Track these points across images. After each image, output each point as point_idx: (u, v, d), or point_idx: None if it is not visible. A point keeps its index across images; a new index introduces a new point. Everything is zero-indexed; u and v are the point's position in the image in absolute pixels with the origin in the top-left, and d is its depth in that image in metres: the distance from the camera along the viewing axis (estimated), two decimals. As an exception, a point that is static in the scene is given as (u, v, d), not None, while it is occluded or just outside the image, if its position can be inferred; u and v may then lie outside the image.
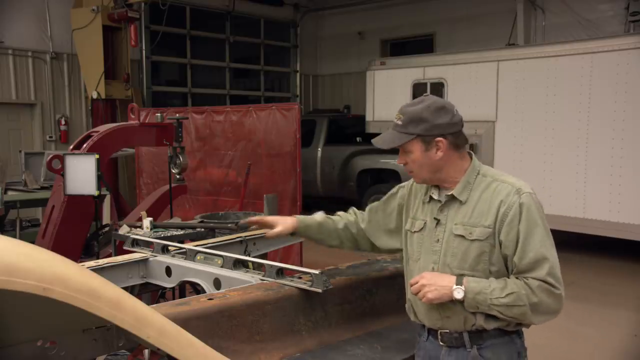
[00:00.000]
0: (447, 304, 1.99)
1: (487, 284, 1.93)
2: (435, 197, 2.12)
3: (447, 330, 2.04)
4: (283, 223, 2.44)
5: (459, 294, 1.92)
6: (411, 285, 2.03)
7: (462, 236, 1.99)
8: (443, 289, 1.94)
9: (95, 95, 9.86)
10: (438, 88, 9.43)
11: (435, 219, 2.09)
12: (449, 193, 2.06)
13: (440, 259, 2.04)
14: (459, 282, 1.94)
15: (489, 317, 1.97)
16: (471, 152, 2.15)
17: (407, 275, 2.20)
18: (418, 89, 9.96)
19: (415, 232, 2.16)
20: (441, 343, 2.06)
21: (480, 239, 1.96)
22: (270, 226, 2.47)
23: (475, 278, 1.96)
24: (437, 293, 1.95)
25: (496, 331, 1.99)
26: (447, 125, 2.01)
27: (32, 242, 3.90)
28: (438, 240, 2.06)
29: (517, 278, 1.94)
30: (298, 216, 2.50)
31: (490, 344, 2.00)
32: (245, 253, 3.57)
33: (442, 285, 1.95)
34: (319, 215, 2.50)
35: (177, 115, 6.23)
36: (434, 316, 2.06)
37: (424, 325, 2.15)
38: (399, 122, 2.05)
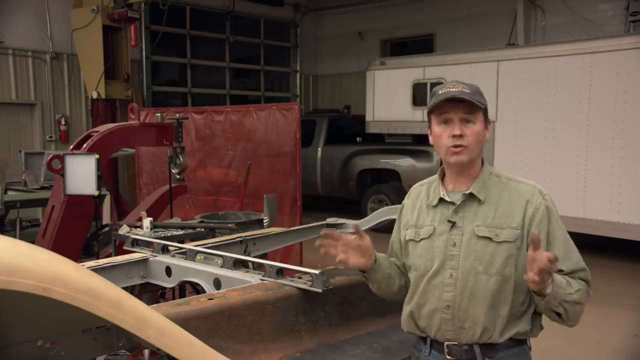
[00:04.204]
0: (467, 314, 1.87)
1: (561, 278, 1.79)
2: (447, 198, 1.96)
3: (456, 343, 1.90)
4: (368, 252, 2.01)
5: (550, 287, 1.73)
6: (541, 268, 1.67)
7: (489, 238, 1.87)
8: (546, 282, 1.71)
9: (95, 95, 9.85)
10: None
11: (449, 221, 1.93)
12: (466, 192, 1.93)
13: (460, 264, 1.89)
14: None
15: (505, 329, 1.86)
16: None
17: (412, 288, 2.03)
18: (418, 89, 9.98)
19: (422, 239, 1.98)
20: (448, 357, 1.91)
21: (509, 241, 1.86)
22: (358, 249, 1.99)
23: None
24: (544, 284, 1.72)
25: (509, 342, 1.88)
26: None
27: (32, 242, 3.90)
28: (455, 244, 1.90)
29: (569, 277, 1.84)
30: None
31: (503, 356, 1.89)
32: (245, 253, 3.58)
33: (548, 277, 1.72)
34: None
35: (177, 115, 6.23)
36: (446, 326, 1.90)
37: (424, 338, 2.00)
38: (467, 90, 1.88)
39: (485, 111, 1.93)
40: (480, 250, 1.87)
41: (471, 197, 1.92)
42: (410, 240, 2.03)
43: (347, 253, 1.96)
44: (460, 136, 1.88)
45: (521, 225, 1.87)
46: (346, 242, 1.96)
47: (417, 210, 2.05)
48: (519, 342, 1.91)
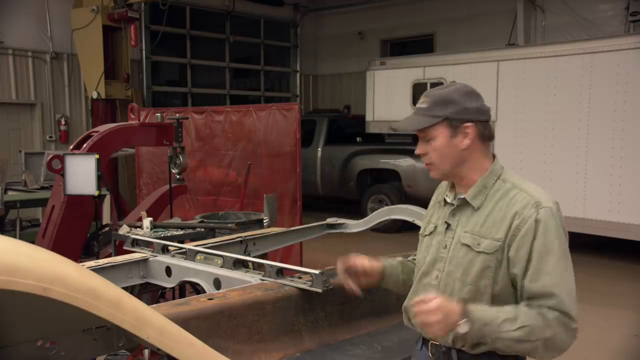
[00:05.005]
0: None
1: (495, 314, 1.70)
2: (448, 199, 1.94)
3: (437, 343, 1.88)
4: (370, 267, 2.07)
5: (465, 327, 1.67)
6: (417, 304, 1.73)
7: (469, 246, 1.81)
8: (450, 325, 1.68)
9: (95, 95, 9.85)
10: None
11: (446, 222, 1.91)
12: (462, 196, 1.88)
13: (445, 267, 1.86)
14: (466, 313, 1.68)
15: (478, 344, 1.78)
16: (494, 154, 1.93)
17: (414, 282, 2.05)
18: (418, 89, 9.97)
19: (425, 235, 1.99)
20: (430, 355, 1.91)
21: (487, 252, 1.77)
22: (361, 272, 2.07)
23: (482, 307, 1.73)
24: (442, 331, 1.70)
25: (491, 355, 1.79)
26: (477, 111, 1.83)
27: (32, 242, 3.91)
28: (446, 246, 1.89)
29: (529, 306, 1.72)
30: (380, 258, 2.15)
31: None
32: (245, 253, 3.58)
33: (449, 321, 1.67)
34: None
35: (177, 115, 6.23)
36: None
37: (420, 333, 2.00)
38: (424, 105, 1.85)
39: (451, 120, 1.82)
40: (461, 257, 1.83)
41: (466, 202, 1.88)
42: (420, 234, 2.05)
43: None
44: (426, 153, 1.88)
45: (504, 237, 1.76)
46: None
47: (434, 205, 2.06)
48: (502, 357, 1.80)
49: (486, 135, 1.87)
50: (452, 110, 1.82)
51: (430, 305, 1.68)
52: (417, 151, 1.90)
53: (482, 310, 1.71)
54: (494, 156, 1.93)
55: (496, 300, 1.79)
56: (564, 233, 1.77)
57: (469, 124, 1.82)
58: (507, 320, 1.68)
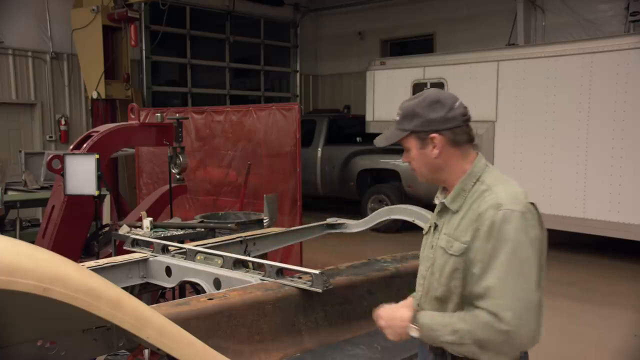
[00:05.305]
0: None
1: (440, 319, 1.80)
2: (436, 201, 1.99)
3: None
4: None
5: (414, 332, 1.83)
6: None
7: (443, 249, 1.86)
8: (400, 329, 1.88)
9: (95, 95, 9.85)
10: (438, 88, 9.44)
11: (435, 224, 1.97)
12: (443, 200, 1.93)
13: (430, 268, 1.93)
14: (414, 319, 1.83)
15: None
16: (479, 153, 1.93)
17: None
18: (418, 89, 9.92)
19: (424, 234, 2.05)
20: (428, 349, 1.95)
21: (456, 255, 1.81)
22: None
23: (429, 313, 1.85)
24: (396, 335, 1.90)
25: None
26: (441, 120, 1.84)
27: (32, 242, 3.91)
28: (432, 247, 1.94)
29: (471, 309, 1.76)
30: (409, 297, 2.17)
31: None
32: (245, 253, 3.58)
33: (398, 326, 1.89)
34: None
35: (177, 115, 6.23)
36: None
37: None
38: (397, 118, 1.94)
39: (417, 132, 1.88)
40: (439, 258, 1.88)
41: (446, 206, 1.92)
42: (423, 232, 2.10)
43: None
44: (410, 161, 1.98)
45: (470, 239, 1.78)
46: None
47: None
48: None
49: (459, 141, 1.87)
50: (416, 123, 1.89)
51: (377, 312, 1.95)
52: (403, 159, 2.02)
53: (430, 317, 1.83)
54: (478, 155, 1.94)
55: (466, 301, 1.81)
56: (526, 236, 1.73)
57: (434, 134, 1.86)
58: (447, 325, 1.77)
